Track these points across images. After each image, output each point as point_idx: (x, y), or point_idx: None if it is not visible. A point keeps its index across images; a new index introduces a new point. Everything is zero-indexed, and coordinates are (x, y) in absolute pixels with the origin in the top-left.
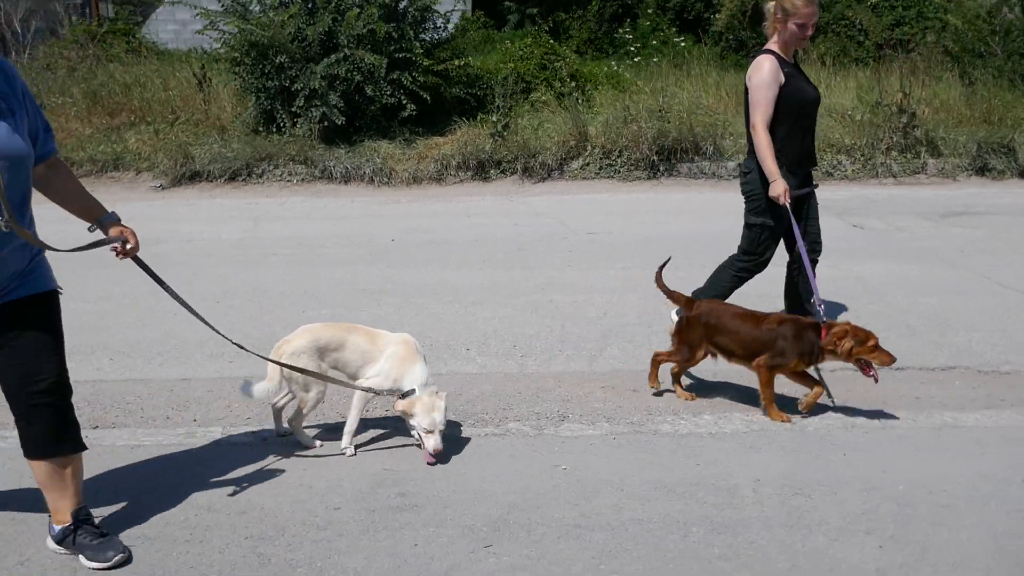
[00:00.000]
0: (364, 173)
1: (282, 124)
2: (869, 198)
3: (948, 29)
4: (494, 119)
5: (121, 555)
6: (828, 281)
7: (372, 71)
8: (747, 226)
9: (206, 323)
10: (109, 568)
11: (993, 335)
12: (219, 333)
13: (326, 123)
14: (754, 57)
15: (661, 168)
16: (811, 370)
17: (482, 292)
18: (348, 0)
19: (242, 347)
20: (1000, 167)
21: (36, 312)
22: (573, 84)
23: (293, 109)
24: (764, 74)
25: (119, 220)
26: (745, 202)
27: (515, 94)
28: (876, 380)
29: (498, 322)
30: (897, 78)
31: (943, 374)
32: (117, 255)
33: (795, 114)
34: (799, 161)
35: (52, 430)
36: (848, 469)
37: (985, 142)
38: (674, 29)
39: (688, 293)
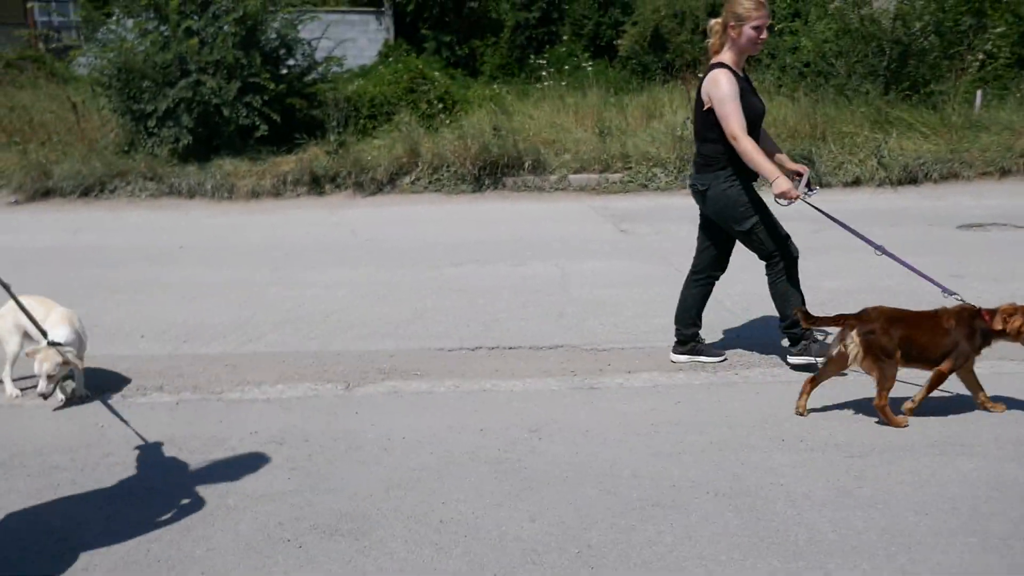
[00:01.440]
0: (206, 189)
1: (143, 144)
2: (666, 207)
3: (800, 50)
4: (332, 138)
5: None
6: (550, 275)
7: (226, 95)
8: (745, 237)
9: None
10: None
11: (636, 318)
12: None
13: (180, 142)
14: (705, 73)
15: (486, 182)
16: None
17: (208, 288)
18: (208, 30)
19: None
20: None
21: None
22: (440, 106)
23: (150, 130)
24: (724, 87)
25: None
26: (724, 222)
27: (378, 116)
28: None
29: (191, 313)
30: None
31: (551, 351)
32: None
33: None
34: (753, 173)
35: None
36: (339, 424)
37: (788, 154)
38: (587, 55)
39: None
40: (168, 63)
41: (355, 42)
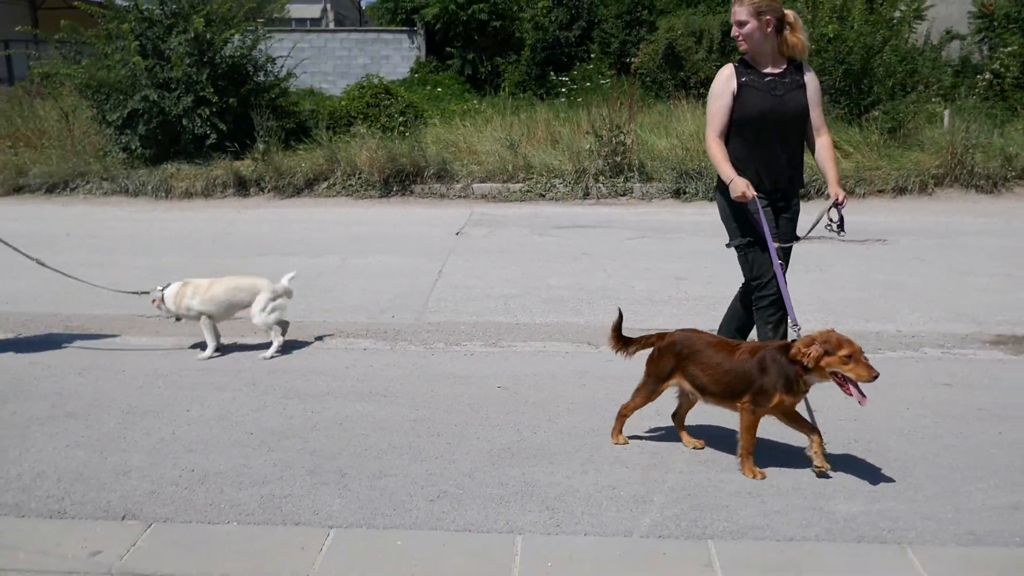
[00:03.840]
0: (148, 189)
1: (114, 148)
2: (535, 214)
3: None
4: (260, 146)
5: None
6: (324, 266)
7: (183, 107)
8: (737, 254)
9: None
10: None
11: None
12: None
13: (134, 148)
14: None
15: (394, 188)
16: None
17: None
18: (172, 49)
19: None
20: (692, 190)
21: None
22: (402, 119)
23: (113, 136)
24: (713, 86)
25: None
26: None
27: (334, 128)
28: (861, 402)
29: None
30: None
31: None
32: None
33: (743, 128)
34: (755, 181)
35: None
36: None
37: (682, 169)
38: (612, 72)
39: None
40: (123, 79)
41: (389, 59)
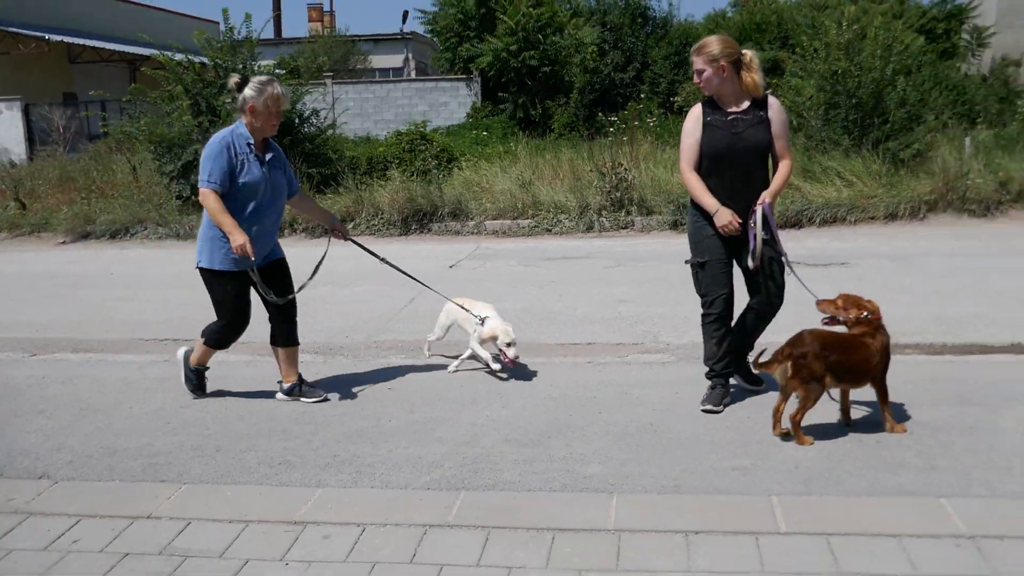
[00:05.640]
0: (195, 232)
1: (167, 197)
2: (533, 248)
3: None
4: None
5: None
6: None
7: None
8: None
9: (409, 275)
10: (318, 402)
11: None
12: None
13: (191, 195)
14: None
15: (413, 227)
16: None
17: (69, 297)
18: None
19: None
20: (684, 222)
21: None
22: (435, 163)
23: (165, 184)
24: (685, 124)
25: (338, 219)
26: None
27: (371, 172)
28: None
29: (55, 311)
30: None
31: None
32: (340, 238)
33: (706, 163)
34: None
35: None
36: None
37: (680, 202)
38: (661, 111)
39: None
40: (178, 135)
41: (447, 106)
